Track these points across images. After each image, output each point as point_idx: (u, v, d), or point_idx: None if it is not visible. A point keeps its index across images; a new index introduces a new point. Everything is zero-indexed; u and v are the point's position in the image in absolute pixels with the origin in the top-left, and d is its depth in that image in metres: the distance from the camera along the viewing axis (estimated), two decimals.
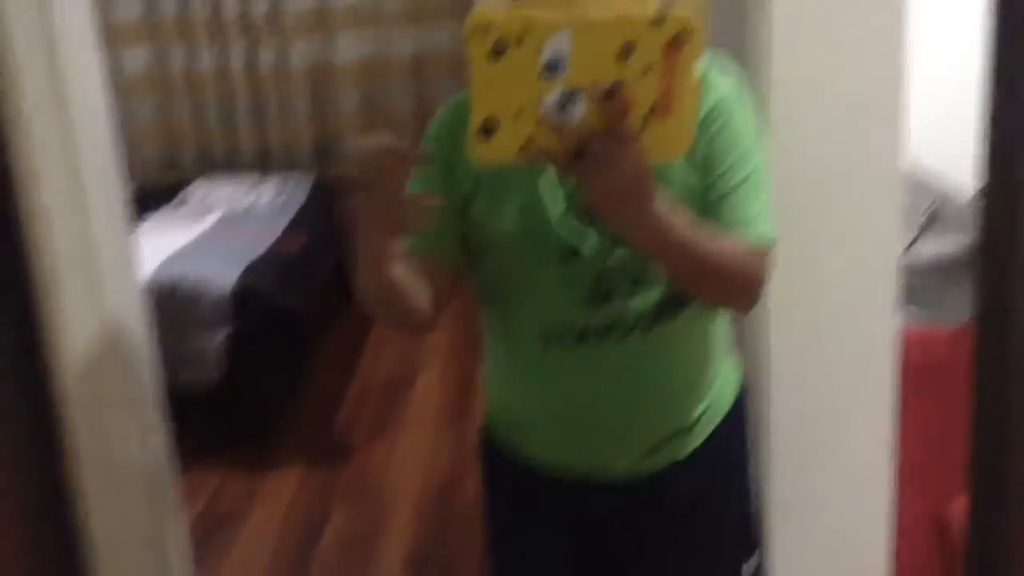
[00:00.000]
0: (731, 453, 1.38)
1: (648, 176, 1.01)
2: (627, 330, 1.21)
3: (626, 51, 0.93)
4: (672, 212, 1.06)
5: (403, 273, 1.15)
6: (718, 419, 1.33)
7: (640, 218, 1.04)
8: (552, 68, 0.94)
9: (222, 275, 3.19)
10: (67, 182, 1.43)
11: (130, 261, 1.68)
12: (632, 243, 1.12)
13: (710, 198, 1.17)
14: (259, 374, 3.21)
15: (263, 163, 4.83)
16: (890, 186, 1.45)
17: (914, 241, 1.60)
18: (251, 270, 3.27)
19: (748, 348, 1.51)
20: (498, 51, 0.93)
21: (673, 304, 1.22)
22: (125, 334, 1.60)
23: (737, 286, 1.19)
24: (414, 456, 3.21)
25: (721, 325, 1.32)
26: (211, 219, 3.85)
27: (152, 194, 4.22)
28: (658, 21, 0.93)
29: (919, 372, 1.50)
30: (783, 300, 1.35)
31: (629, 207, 1.02)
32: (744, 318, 1.50)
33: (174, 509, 1.73)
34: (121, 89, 4.68)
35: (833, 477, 1.54)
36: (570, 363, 1.23)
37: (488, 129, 0.96)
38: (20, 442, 1.26)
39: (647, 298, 1.21)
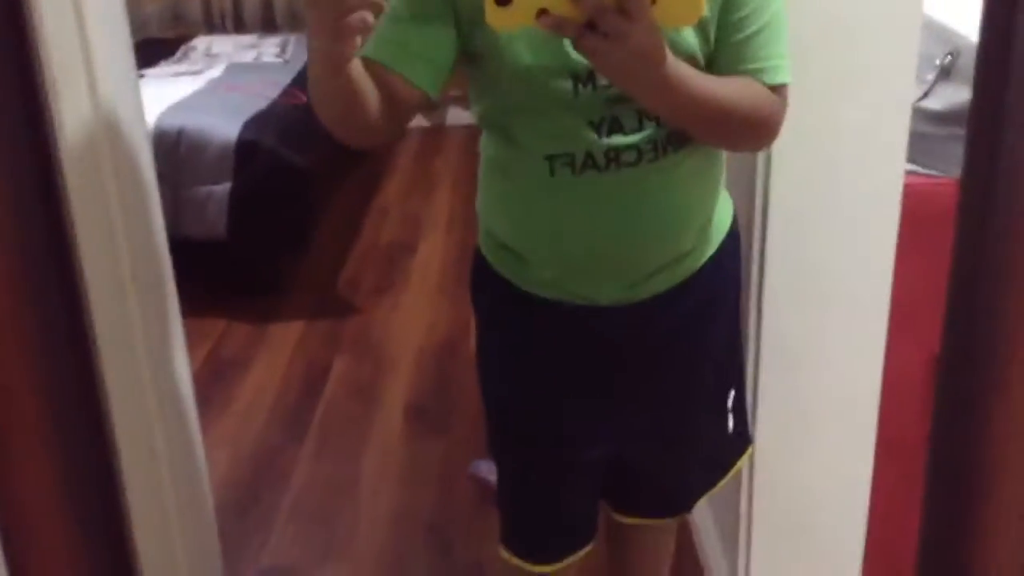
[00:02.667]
0: (722, 284, 1.41)
1: (658, 48, 1.04)
2: (634, 158, 1.22)
3: None
4: (684, 75, 1.10)
5: (359, 78, 1.13)
6: (713, 249, 1.35)
7: (652, 87, 1.09)
8: None
9: (225, 127, 3.17)
10: (77, 37, 1.41)
11: (138, 108, 1.66)
12: (648, 108, 1.17)
13: (729, 40, 1.19)
14: (265, 227, 3.23)
15: (267, 21, 4.75)
16: (906, 33, 1.43)
17: (928, 91, 1.58)
18: (254, 123, 3.25)
19: (746, 186, 1.52)
20: None
21: (679, 137, 1.23)
22: (136, 182, 1.60)
23: (753, 132, 1.24)
24: (415, 316, 3.25)
25: (720, 159, 1.33)
26: (214, 72, 3.81)
27: (155, 47, 4.16)
28: None
29: (921, 222, 1.51)
30: (789, 141, 1.34)
31: (640, 78, 1.07)
32: (742, 156, 1.50)
33: (181, 349, 1.76)
34: None
35: (828, 321, 1.57)
36: (576, 188, 1.23)
37: None
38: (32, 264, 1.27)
39: (655, 129, 1.22)
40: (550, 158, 1.22)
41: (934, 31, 1.56)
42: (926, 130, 1.56)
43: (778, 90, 1.21)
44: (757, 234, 1.54)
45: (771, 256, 1.53)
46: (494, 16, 0.99)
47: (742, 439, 1.53)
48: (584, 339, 1.35)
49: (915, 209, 1.52)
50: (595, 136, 1.20)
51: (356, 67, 1.13)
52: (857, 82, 1.44)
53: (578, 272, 1.30)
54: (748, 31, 1.19)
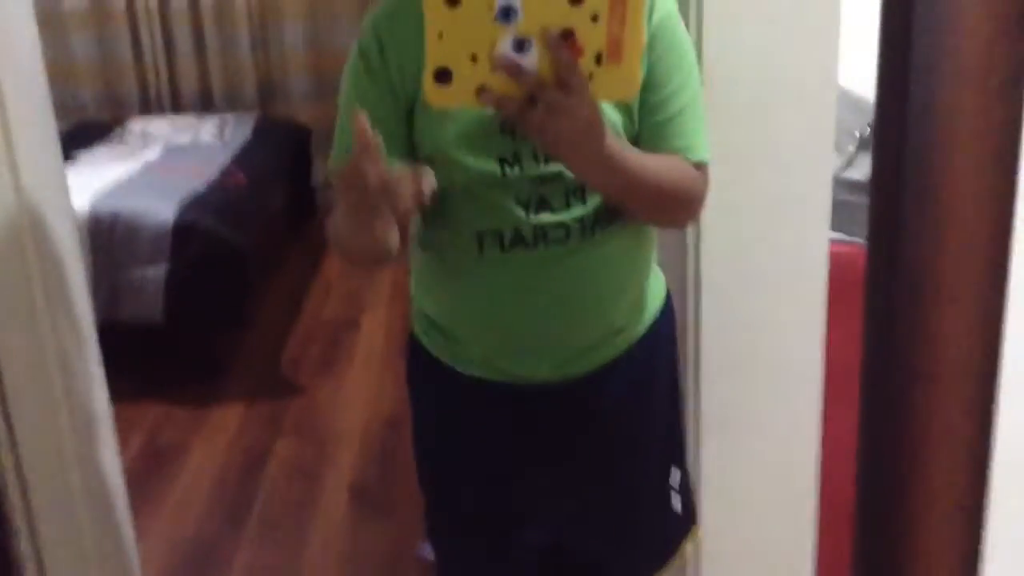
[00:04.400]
0: (657, 360, 1.40)
1: (599, 120, 1.06)
2: (563, 235, 1.22)
3: None
4: (621, 150, 1.12)
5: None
6: (645, 327, 1.35)
7: (592, 161, 1.09)
8: (505, 14, 0.97)
9: (162, 209, 3.14)
10: None
11: (63, 194, 1.64)
12: (586, 182, 1.18)
13: (652, 119, 1.21)
14: (202, 310, 3.18)
15: (205, 101, 4.76)
16: (822, 106, 1.47)
17: (849, 162, 1.62)
18: (192, 204, 3.22)
19: (677, 261, 1.53)
20: None
21: (609, 214, 1.24)
22: (60, 268, 1.58)
23: (680, 207, 1.27)
24: (359, 394, 3.21)
25: (650, 237, 1.34)
26: (151, 154, 3.79)
27: (90, 130, 4.13)
28: None
29: (849, 287, 1.53)
30: (715, 215, 1.36)
31: (581, 151, 1.07)
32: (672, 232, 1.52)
33: (110, 441, 1.71)
34: (59, 24, 4.56)
35: (763, 391, 1.57)
36: (505, 266, 1.23)
37: (444, 74, 0.99)
38: None
39: (585, 206, 1.22)
40: (479, 235, 1.22)
41: (853, 104, 1.60)
42: (849, 199, 1.59)
43: (701, 168, 1.24)
44: (691, 306, 1.55)
45: (705, 329, 1.54)
46: (434, 94, 1.00)
47: (687, 519, 1.50)
48: (518, 419, 1.33)
49: (842, 275, 1.54)
50: (523, 214, 1.21)
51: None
52: (778, 155, 1.47)
53: (508, 349, 1.29)
54: (669, 112, 1.21)
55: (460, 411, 1.36)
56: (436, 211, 1.27)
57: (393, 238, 1.17)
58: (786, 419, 1.59)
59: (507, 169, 1.19)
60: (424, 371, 1.38)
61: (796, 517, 1.62)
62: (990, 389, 0.54)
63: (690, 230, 1.51)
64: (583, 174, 1.15)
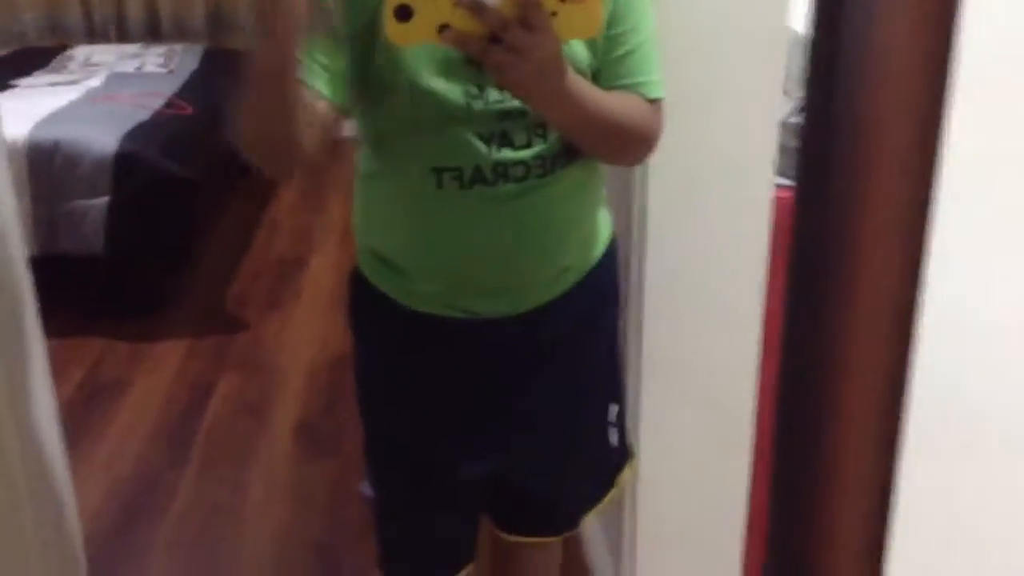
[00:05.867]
0: (602, 298, 1.41)
1: (560, 60, 1.05)
2: (522, 173, 1.22)
3: None
4: (581, 88, 1.12)
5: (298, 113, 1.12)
6: (594, 262, 1.36)
7: (553, 99, 1.10)
8: None
9: (103, 138, 3.06)
10: None
11: None
12: (547, 119, 1.18)
13: (610, 55, 1.21)
14: (145, 243, 3.12)
15: (152, 30, 4.62)
16: (773, 50, 1.46)
17: (798, 108, 1.61)
18: (135, 134, 3.14)
19: (623, 201, 1.52)
20: None
21: (567, 152, 1.24)
22: None
23: (636, 145, 1.27)
24: (306, 331, 3.19)
25: (601, 176, 1.34)
26: (93, 82, 3.68)
27: (31, 57, 4.00)
28: None
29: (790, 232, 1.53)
30: (663, 156, 1.35)
31: (542, 90, 1.07)
32: (620, 171, 1.51)
33: (43, 376, 1.67)
34: None
35: (703, 331, 1.58)
36: (463, 201, 1.22)
37: (404, 11, 0.97)
38: None
39: (546, 143, 1.22)
40: (438, 171, 1.21)
41: (803, 47, 1.59)
42: (795, 143, 1.58)
43: (655, 105, 1.25)
44: (635, 247, 1.55)
45: (649, 270, 1.54)
46: (395, 32, 0.98)
47: (624, 453, 1.53)
48: (466, 354, 1.33)
49: (787, 221, 1.55)
50: (485, 150, 1.20)
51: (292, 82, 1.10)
52: (725, 98, 1.46)
53: (463, 285, 1.29)
54: (627, 47, 1.21)
55: (408, 346, 1.35)
56: (393, 145, 1.25)
57: (301, 125, 1.12)
58: (724, 361, 1.60)
59: (472, 101, 1.18)
60: (369, 306, 1.37)
61: (731, 458, 1.64)
62: (910, 323, 0.54)
63: (637, 171, 1.50)
64: (543, 112, 1.15)
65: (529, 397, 1.37)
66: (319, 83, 1.15)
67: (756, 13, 1.44)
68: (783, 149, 1.52)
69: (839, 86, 0.54)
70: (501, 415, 1.37)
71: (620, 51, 1.21)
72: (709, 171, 1.49)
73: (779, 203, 1.53)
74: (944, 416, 0.73)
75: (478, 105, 1.18)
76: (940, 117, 0.51)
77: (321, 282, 3.54)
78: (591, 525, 2.03)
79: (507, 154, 1.20)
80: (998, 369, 0.73)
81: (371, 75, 1.20)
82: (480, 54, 1.01)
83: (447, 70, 1.16)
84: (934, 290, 0.54)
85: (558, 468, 1.45)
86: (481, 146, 1.19)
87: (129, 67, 3.91)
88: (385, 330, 1.37)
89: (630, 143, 1.26)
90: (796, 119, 1.61)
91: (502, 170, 1.21)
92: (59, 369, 1.94)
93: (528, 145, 1.21)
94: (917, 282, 0.52)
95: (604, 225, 1.39)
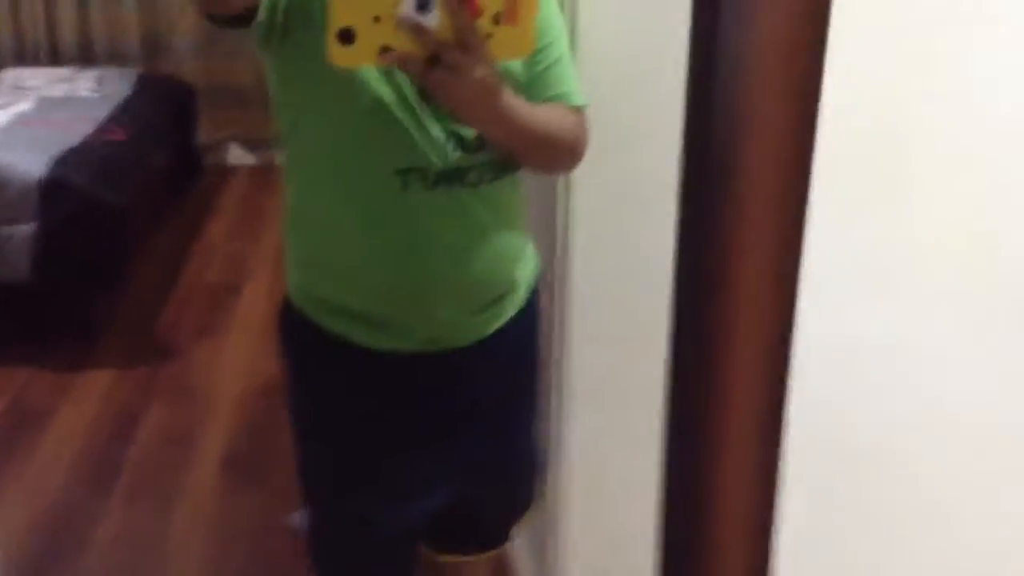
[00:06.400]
0: (536, 325, 1.46)
1: (496, 79, 1.11)
2: (477, 178, 1.26)
3: None
4: (516, 104, 1.18)
5: None
6: (529, 291, 1.40)
7: (491, 116, 1.16)
8: None
9: (30, 163, 3.01)
10: None
11: None
12: (485, 134, 1.23)
13: (534, 70, 1.27)
14: (73, 270, 3.07)
15: (85, 54, 4.57)
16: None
17: None
18: (64, 160, 3.09)
19: (547, 217, 1.56)
20: None
21: (509, 162, 1.29)
22: None
23: (567, 153, 1.33)
24: (236, 361, 3.16)
25: (521, 191, 1.38)
26: (22, 106, 3.62)
27: None
28: None
29: None
30: (586, 169, 1.39)
31: (479, 108, 1.13)
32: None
33: None
34: None
35: (623, 350, 1.61)
36: (426, 204, 1.24)
37: (346, 35, 1.00)
38: None
39: (494, 150, 1.26)
40: (403, 174, 1.22)
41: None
42: None
43: (580, 113, 1.31)
44: (558, 270, 1.58)
45: (572, 285, 1.57)
46: (338, 55, 1.02)
47: (540, 463, 1.59)
48: (396, 384, 1.34)
49: None
50: (444, 152, 1.23)
51: None
52: (645, 116, 1.49)
53: (413, 298, 1.29)
54: (548, 61, 1.28)
55: (339, 376, 1.35)
56: (345, 149, 1.25)
57: None
58: (644, 387, 1.62)
59: (427, 102, 1.21)
60: (301, 338, 1.37)
61: (646, 479, 1.66)
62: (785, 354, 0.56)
63: (559, 187, 1.54)
64: (482, 128, 1.21)
65: (467, 426, 1.39)
66: None
67: (678, 27, 1.47)
68: None
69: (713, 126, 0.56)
70: (436, 445, 1.38)
71: (542, 65, 1.28)
72: (633, 186, 1.52)
73: None
74: (820, 447, 0.76)
75: (432, 105, 1.20)
76: (809, 155, 0.53)
77: (253, 310, 3.52)
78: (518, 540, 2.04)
79: (462, 157, 1.24)
80: (870, 392, 0.77)
81: (310, 82, 1.21)
82: (420, 75, 1.06)
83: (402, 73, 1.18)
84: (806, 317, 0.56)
85: (493, 492, 1.48)
86: (439, 148, 1.22)
87: (60, 91, 3.86)
88: (317, 360, 1.37)
89: (562, 153, 1.33)
90: None
91: (457, 174, 1.24)
92: None
93: (480, 149, 1.25)
94: (791, 309, 0.54)
95: (531, 248, 1.43)
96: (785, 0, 0.48)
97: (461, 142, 1.24)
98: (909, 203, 0.72)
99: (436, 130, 1.22)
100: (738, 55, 0.50)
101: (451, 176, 1.24)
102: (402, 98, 1.20)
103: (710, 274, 0.57)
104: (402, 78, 1.19)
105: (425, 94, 1.19)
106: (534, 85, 1.27)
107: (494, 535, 1.59)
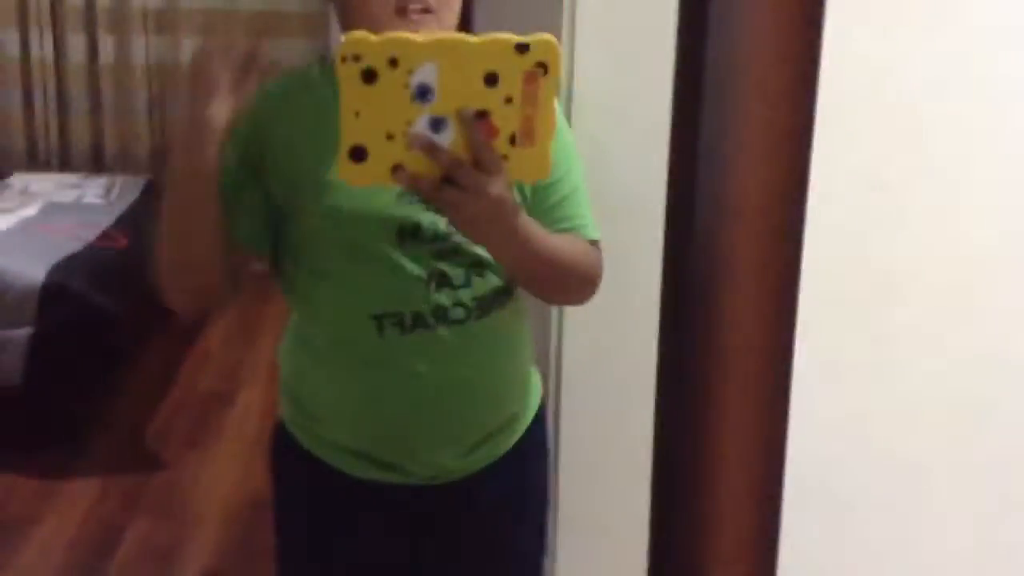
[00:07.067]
0: (538, 456, 1.40)
1: (511, 200, 1.07)
2: (463, 315, 1.22)
3: (490, 80, 0.98)
4: (531, 228, 1.14)
5: (212, 229, 1.14)
6: (529, 421, 1.36)
7: (504, 239, 1.11)
8: (422, 94, 0.97)
9: (31, 268, 3.02)
10: None
11: None
12: (498, 259, 1.19)
13: (547, 202, 1.25)
14: (66, 376, 3.05)
15: (96, 161, 4.65)
16: None
17: None
18: (64, 266, 3.11)
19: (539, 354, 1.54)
20: (369, 76, 0.95)
21: (506, 292, 1.26)
22: None
23: (583, 284, 1.29)
24: (225, 473, 3.11)
25: (527, 319, 1.35)
26: (30, 211, 3.66)
27: None
28: (522, 47, 0.97)
29: None
30: (577, 316, 1.39)
31: (494, 230, 1.09)
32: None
33: None
34: None
35: (615, 488, 1.58)
36: (405, 348, 1.21)
37: (359, 152, 0.98)
38: None
39: (483, 283, 1.23)
40: (378, 318, 1.20)
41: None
42: None
43: (595, 245, 1.28)
44: (551, 395, 1.56)
45: (564, 416, 1.55)
46: (348, 172, 0.99)
47: None
48: (390, 520, 1.30)
49: None
50: (423, 291, 1.20)
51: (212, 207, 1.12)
52: (637, 251, 1.50)
53: (400, 438, 1.26)
54: (562, 193, 1.25)
55: (330, 509, 1.32)
56: (322, 291, 1.25)
57: (218, 241, 1.14)
58: (634, 516, 1.59)
59: (405, 242, 1.19)
60: (293, 463, 1.34)
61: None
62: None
63: (553, 325, 1.53)
64: (495, 252, 1.16)
65: (459, 567, 1.35)
66: (235, 221, 1.17)
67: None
68: None
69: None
70: None
71: (556, 197, 1.25)
72: (624, 320, 1.52)
73: None
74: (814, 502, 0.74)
75: (413, 244, 1.19)
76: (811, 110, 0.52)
77: (245, 420, 3.48)
78: None
79: (445, 296, 1.20)
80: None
81: (292, 221, 1.21)
82: (433, 194, 1.02)
83: (380, 208, 1.18)
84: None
85: None
86: (418, 289, 1.19)
87: (67, 197, 3.91)
88: (307, 488, 1.34)
89: (576, 282, 1.28)
90: None
91: (442, 313, 1.21)
92: None
93: (467, 284, 1.22)
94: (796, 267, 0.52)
95: (536, 381, 1.39)
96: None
97: (445, 280, 1.21)
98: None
99: (416, 270, 1.20)
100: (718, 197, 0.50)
101: (433, 317, 1.21)
102: (376, 239, 1.19)
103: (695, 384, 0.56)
104: (379, 217, 1.18)
105: (412, 234, 1.18)
106: (548, 218, 1.23)
107: None
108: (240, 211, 1.19)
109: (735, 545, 0.56)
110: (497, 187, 1.03)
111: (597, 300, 1.48)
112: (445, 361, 1.23)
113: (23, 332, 2.95)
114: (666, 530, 0.59)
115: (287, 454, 1.35)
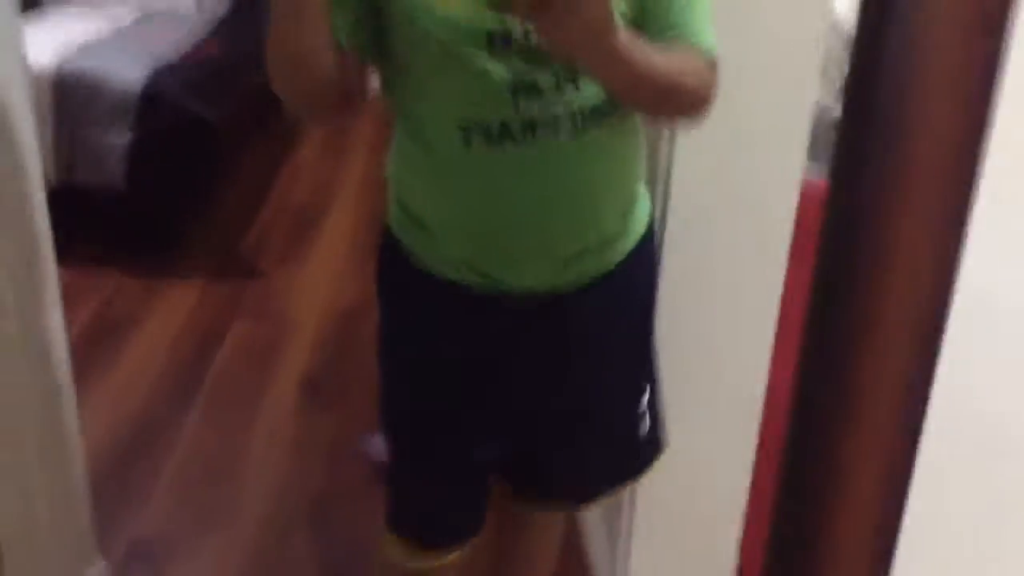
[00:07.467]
0: (641, 279, 1.37)
1: (611, 17, 1.01)
2: (553, 130, 1.16)
3: None
4: (633, 45, 1.07)
5: (325, 43, 1.10)
6: (633, 243, 1.31)
7: (603, 58, 1.05)
8: None
9: (130, 73, 3.04)
10: None
11: (14, 48, 1.55)
12: (597, 80, 1.13)
13: (661, 7, 1.16)
14: (165, 182, 3.11)
15: None
16: (811, 34, 1.42)
17: (839, 92, 1.57)
18: (162, 71, 3.12)
19: (648, 183, 1.49)
20: None
21: (605, 110, 1.18)
22: (7, 120, 1.50)
23: (693, 102, 1.20)
24: (320, 284, 3.18)
25: (640, 141, 1.29)
26: (125, 16, 3.65)
27: None
28: None
29: (815, 224, 1.50)
30: (691, 139, 1.32)
31: (591, 49, 1.03)
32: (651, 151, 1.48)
33: (55, 307, 1.67)
34: None
35: (719, 322, 1.55)
36: (493, 161, 1.17)
37: None
38: None
39: (577, 97, 1.16)
40: (464, 129, 1.16)
41: (842, 38, 1.54)
42: (828, 134, 1.55)
43: (711, 58, 1.19)
44: (656, 231, 1.52)
45: (668, 254, 1.51)
46: None
47: (654, 445, 1.47)
48: (496, 330, 1.29)
49: (816, 212, 1.51)
50: (512, 104, 1.14)
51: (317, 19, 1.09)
52: (760, 80, 1.42)
53: (495, 253, 1.24)
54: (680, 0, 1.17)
55: (432, 315, 1.31)
56: (417, 99, 1.21)
57: (327, 52, 1.11)
58: (737, 354, 1.57)
59: (496, 49, 1.12)
60: (397, 268, 1.33)
61: (735, 451, 1.62)
62: (936, 341, 0.51)
63: (663, 152, 1.47)
64: (594, 72, 1.11)
65: (556, 380, 1.34)
66: (338, 30, 1.13)
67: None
68: (817, 132, 1.48)
69: (881, 87, 0.51)
70: (527, 397, 1.34)
71: (667, 6, 1.16)
72: (737, 156, 1.45)
73: (808, 192, 1.50)
74: (960, 428, 0.70)
75: (502, 52, 1.12)
76: (984, 124, 0.48)
77: (338, 234, 3.53)
78: (591, 513, 2.01)
79: (535, 107, 1.15)
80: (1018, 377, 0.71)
81: (388, 24, 1.16)
82: (531, 13, 0.97)
83: (468, 14, 1.11)
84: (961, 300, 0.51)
85: (582, 454, 1.41)
86: (507, 99, 1.14)
87: (161, 4, 3.88)
88: (410, 292, 1.34)
89: (686, 100, 1.19)
90: (834, 106, 1.57)
91: (530, 126, 1.15)
92: (72, 301, 1.94)
93: (558, 97, 1.15)
94: (947, 295, 0.49)
95: (644, 203, 1.33)
96: None
97: (534, 91, 1.14)
98: None
99: (503, 77, 1.13)
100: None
101: (521, 131, 1.15)
102: (465, 43, 1.12)
103: (858, 253, 0.51)
104: (469, 21, 1.11)
105: (503, 39, 1.12)
106: (657, 23, 1.15)
107: (581, 496, 1.55)
108: (343, 16, 1.14)
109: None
110: (596, 3, 0.97)
111: (713, 129, 1.41)
112: (531, 177, 1.19)
113: (124, 137, 2.99)
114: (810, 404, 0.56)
115: (389, 254, 1.34)
